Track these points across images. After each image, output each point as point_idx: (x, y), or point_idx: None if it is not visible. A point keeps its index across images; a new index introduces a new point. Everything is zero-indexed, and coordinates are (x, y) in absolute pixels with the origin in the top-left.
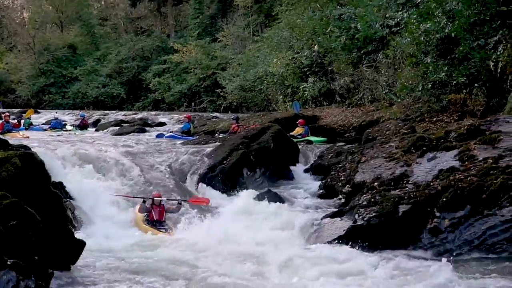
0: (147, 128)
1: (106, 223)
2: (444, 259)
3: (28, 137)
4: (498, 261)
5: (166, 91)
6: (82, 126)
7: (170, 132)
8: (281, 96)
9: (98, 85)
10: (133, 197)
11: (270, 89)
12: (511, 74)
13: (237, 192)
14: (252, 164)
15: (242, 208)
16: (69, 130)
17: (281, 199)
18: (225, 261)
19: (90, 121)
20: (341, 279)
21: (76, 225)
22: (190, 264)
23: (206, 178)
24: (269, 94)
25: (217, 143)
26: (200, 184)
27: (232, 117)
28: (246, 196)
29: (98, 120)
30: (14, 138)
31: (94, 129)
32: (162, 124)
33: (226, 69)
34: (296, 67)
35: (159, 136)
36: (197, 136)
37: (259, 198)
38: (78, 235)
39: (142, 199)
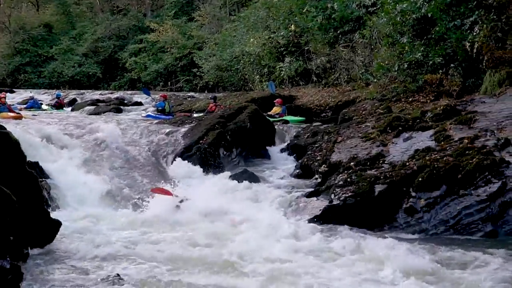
0: (123, 108)
1: (81, 203)
2: (419, 239)
3: (21, 117)
4: (473, 241)
5: (142, 71)
6: (58, 105)
7: (148, 112)
8: (257, 76)
9: (74, 64)
10: None
11: (247, 69)
12: (487, 54)
13: (213, 172)
14: (229, 144)
15: (218, 188)
16: (45, 110)
17: (257, 179)
18: (201, 239)
19: (66, 100)
20: (315, 257)
21: (51, 205)
22: (168, 244)
23: (182, 158)
24: (246, 73)
25: (194, 123)
26: (176, 163)
27: (210, 96)
28: (222, 176)
29: (74, 100)
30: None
31: (70, 108)
32: (138, 103)
33: (202, 49)
34: (272, 47)
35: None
36: (174, 116)
37: (236, 178)
38: (53, 214)
39: None
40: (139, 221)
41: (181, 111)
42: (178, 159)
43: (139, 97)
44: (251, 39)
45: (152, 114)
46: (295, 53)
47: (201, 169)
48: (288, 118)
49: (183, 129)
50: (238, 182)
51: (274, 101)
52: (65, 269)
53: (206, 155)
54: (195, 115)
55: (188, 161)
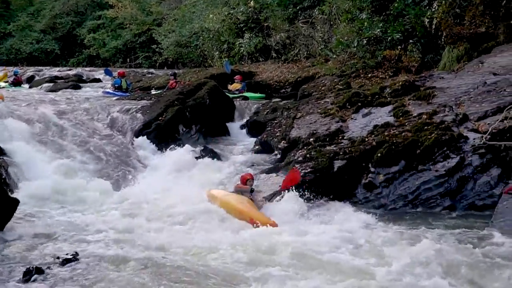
0: (81, 85)
1: (39, 180)
2: (378, 214)
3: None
4: (431, 215)
5: (101, 47)
6: (16, 83)
7: (106, 89)
8: (217, 52)
9: (32, 41)
10: None
11: (206, 45)
12: (446, 30)
13: (173, 148)
14: (188, 120)
15: (178, 165)
16: (3, 87)
17: (217, 156)
18: (160, 214)
19: (24, 77)
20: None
21: (9, 183)
22: (125, 220)
23: (141, 134)
24: (205, 50)
25: (153, 100)
26: (135, 140)
27: (170, 73)
28: (181, 153)
29: (32, 77)
30: None
31: (28, 85)
32: (97, 80)
33: (161, 25)
34: (232, 23)
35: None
36: (133, 93)
37: (195, 154)
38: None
39: None
40: (98, 200)
41: (140, 88)
42: (137, 136)
43: (98, 74)
44: (210, 15)
45: (111, 91)
46: (254, 29)
47: (160, 145)
48: (247, 94)
49: (142, 106)
50: (197, 158)
51: (234, 78)
52: (21, 248)
53: (165, 132)
54: (154, 91)
55: (147, 138)
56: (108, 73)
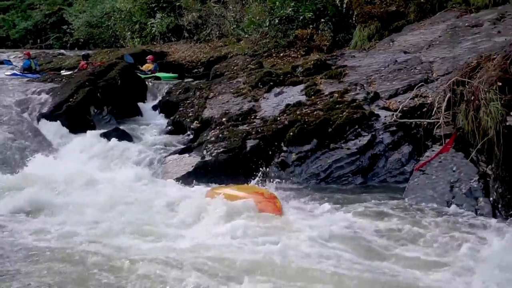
0: None
1: None
2: (290, 191)
3: None
4: (344, 191)
5: (11, 28)
6: None
7: (13, 70)
8: (128, 33)
9: None
10: None
11: (118, 26)
12: (357, 9)
13: (84, 130)
14: (99, 101)
15: (89, 146)
16: None
17: (129, 137)
18: (70, 196)
19: None
20: (183, 211)
21: None
22: (36, 201)
23: (52, 117)
24: (117, 30)
25: (63, 81)
26: (45, 122)
27: (83, 53)
28: (93, 134)
29: None
30: None
31: None
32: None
33: (72, 5)
34: (143, 3)
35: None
36: (44, 74)
37: (107, 135)
38: None
39: None
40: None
41: (50, 69)
42: (47, 118)
43: (6, 55)
44: None
45: (18, 73)
46: (166, 9)
47: (71, 127)
48: (160, 74)
49: (52, 88)
50: (109, 140)
51: (146, 58)
52: None
53: (76, 114)
54: (64, 73)
55: (58, 120)
56: (7, 63)
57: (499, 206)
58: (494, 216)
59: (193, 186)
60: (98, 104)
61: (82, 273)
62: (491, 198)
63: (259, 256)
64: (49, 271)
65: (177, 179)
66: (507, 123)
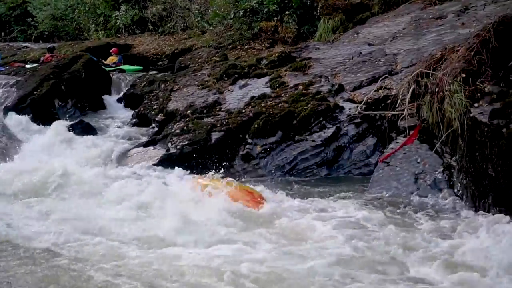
0: None
1: None
2: (255, 184)
3: None
4: (308, 183)
5: None
6: None
7: None
8: (93, 25)
9: None
10: None
11: (82, 18)
12: (321, 1)
13: (49, 123)
14: (64, 94)
15: (54, 139)
16: None
17: (93, 129)
18: (33, 189)
19: None
20: (146, 204)
21: None
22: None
23: (16, 110)
24: (81, 23)
25: (28, 74)
26: (10, 115)
27: (49, 46)
28: (57, 127)
29: None
30: None
31: None
32: None
33: None
34: None
35: None
36: (8, 67)
37: (71, 128)
38: None
39: None
40: None
41: (15, 62)
42: (11, 111)
43: None
44: None
45: None
46: (130, 2)
47: (36, 120)
48: (125, 67)
49: (16, 81)
50: (74, 133)
51: (110, 51)
52: None
53: (41, 107)
54: (28, 66)
55: (22, 113)
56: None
57: (464, 197)
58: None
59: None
60: (62, 97)
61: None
62: (455, 190)
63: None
64: None
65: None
66: (471, 115)
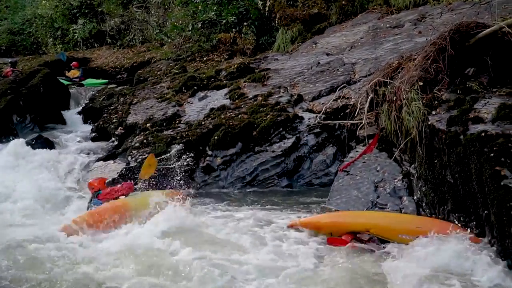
0: None
1: None
2: (216, 196)
3: None
4: (270, 194)
5: None
6: None
7: None
8: (51, 39)
9: None
10: None
11: (40, 32)
12: (279, 12)
13: (7, 138)
14: (22, 109)
15: (12, 156)
16: None
17: (52, 144)
18: None
19: None
20: None
21: None
22: None
23: None
24: (39, 37)
25: None
26: None
27: (11, 60)
28: (16, 143)
29: None
30: None
31: None
32: None
33: None
34: (65, 9)
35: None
36: None
37: (30, 144)
38: None
39: None
40: None
41: None
42: None
43: None
44: (43, 1)
45: None
46: (88, 15)
47: None
48: (89, 81)
49: None
50: (33, 148)
51: (71, 64)
52: None
53: None
54: None
55: None
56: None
57: (423, 204)
58: (418, 214)
59: None
60: (20, 112)
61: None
62: (415, 197)
63: None
64: None
65: None
66: (429, 122)
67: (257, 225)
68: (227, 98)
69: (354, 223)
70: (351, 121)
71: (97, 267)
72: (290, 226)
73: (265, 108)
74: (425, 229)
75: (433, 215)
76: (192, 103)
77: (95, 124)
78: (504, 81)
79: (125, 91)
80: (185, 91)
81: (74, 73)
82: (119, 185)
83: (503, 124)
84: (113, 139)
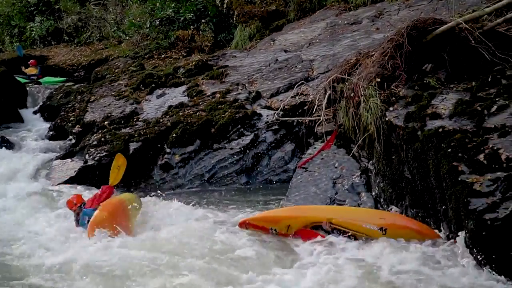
0: None
1: None
2: (175, 194)
3: None
4: (228, 192)
5: None
6: None
7: None
8: (7, 37)
9: None
10: None
11: None
12: (237, 9)
13: None
14: None
15: None
16: None
17: (9, 143)
18: None
19: None
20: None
21: None
22: None
23: None
24: None
25: None
26: None
27: None
28: None
29: None
30: None
31: None
32: None
33: None
34: (22, 6)
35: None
36: None
37: None
38: None
39: None
40: None
41: None
42: None
43: None
44: None
45: None
46: (45, 12)
47: None
48: (47, 79)
49: None
50: None
51: (29, 62)
52: None
53: None
54: None
55: None
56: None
57: (381, 200)
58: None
59: None
60: None
61: None
62: (373, 193)
63: None
64: None
65: (60, 184)
66: (387, 118)
67: (211, 225)
68: (185, 96)
69: (315, 216)
70: (309, 118)
71: None
72: (241, 225)
73: (223, 105)
74: (388, 222)
75: (391, 211)
76: (150, 100)
77: (53, 123)
78: (461, 77)
79: (82, 89)
80: (143, 88)
81: (32, 71)
82: (99, 190)
83: (460, 119)
84: (70, 137)
